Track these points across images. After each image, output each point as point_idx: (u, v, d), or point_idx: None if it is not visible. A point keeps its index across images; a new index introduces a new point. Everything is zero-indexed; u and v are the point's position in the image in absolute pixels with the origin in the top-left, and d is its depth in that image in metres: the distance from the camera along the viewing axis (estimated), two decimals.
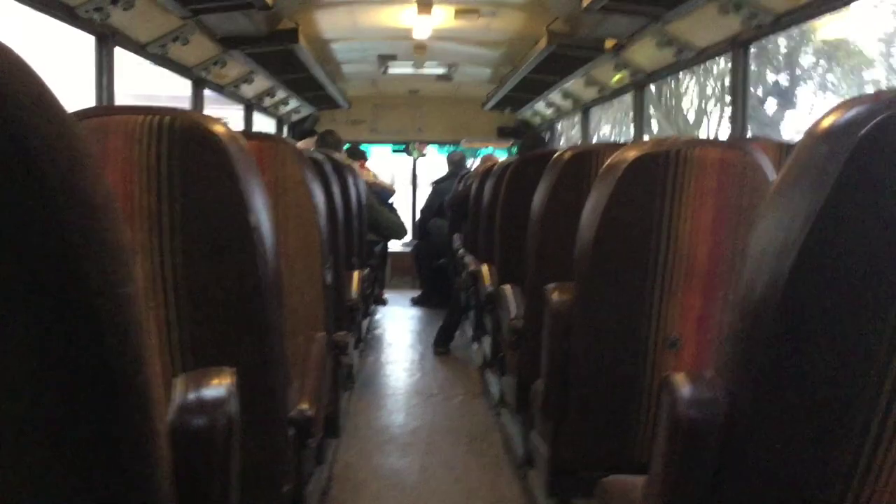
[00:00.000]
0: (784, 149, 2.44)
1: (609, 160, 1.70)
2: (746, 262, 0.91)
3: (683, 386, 0.95)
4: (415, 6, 4.29)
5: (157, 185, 1.25)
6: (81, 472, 0.61)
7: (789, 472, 0.90)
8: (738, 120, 3.20)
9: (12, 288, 0.53)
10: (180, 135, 1.25)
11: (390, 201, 5.89)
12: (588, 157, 2.20)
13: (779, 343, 0.85)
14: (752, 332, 0.87)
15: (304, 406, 1.54)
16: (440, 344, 4.98)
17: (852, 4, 2.95)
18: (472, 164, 6.91)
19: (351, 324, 3.05)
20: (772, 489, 0.92)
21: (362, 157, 6.18)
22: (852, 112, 0.81)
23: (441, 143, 8.02)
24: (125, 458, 0.64)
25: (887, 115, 0.78)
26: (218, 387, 0.86)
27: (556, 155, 2.35)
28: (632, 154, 1.66)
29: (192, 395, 0.84)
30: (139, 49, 3.42)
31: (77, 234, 0.55)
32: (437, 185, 6.66)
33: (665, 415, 0.99)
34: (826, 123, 0.83)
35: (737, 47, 3.23)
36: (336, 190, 2.72)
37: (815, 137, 0.84)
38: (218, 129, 1.27)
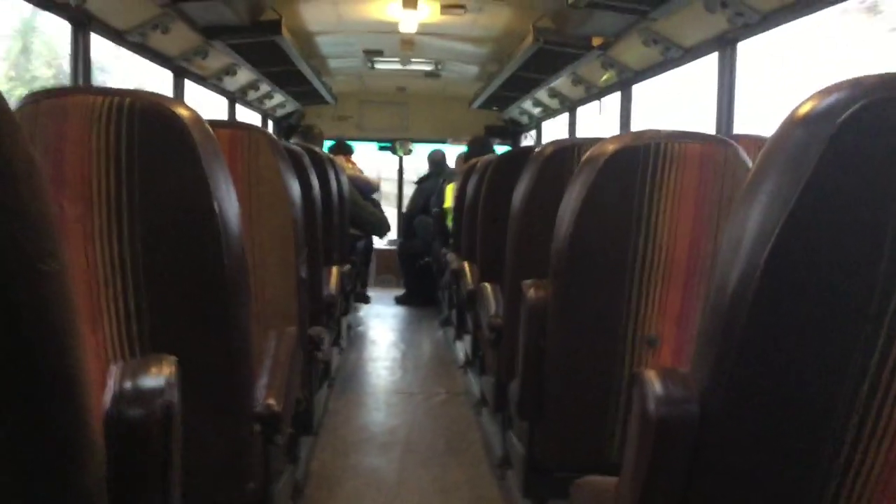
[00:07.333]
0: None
1: (588, 153, 1.67)
2: (720, 254, 0.87)
3: (655, 383, 0.92)
4: (400, 0, 4.25)
5: (117, 169, 1.20)
6: (1, 465, 0.57)
7: (764, 471, 0.86)
8: (723, 119, 3.18)
9: None
10: (140, 116, 1.20)
11: (374, 196, 5.83)
12: (569, 152, 2.17)
13: (753, 338, 0.81)
14: (726, 327, 0.83)
15: (271, 401, 1.49)
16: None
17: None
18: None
19: (328, 319, 3.00)
20: (747, 489, 0.89)
21: (348, 151, 6.13)
22: (832, 98, 0.77)
23: (428, 142, 7.96)
24: (51, 448, 0.60)
25: (867, 101, 0.75)
26: (157, 376, 0.81)
27: (537, 150, 2.31)
28: (611, 147, 1.62)
29: (128, 384, 0.79)
30: (117, 37, 3.35)
31: None
32: (420, 184, 6.63)
33: (636, 412, 0.95)
34: (804, 109, 0.79)
35: (723, 46, 3.21)
36: (314, 182, 2.67)
37: (793, 123, 0.80)
38: (180, 110, 1.22)
